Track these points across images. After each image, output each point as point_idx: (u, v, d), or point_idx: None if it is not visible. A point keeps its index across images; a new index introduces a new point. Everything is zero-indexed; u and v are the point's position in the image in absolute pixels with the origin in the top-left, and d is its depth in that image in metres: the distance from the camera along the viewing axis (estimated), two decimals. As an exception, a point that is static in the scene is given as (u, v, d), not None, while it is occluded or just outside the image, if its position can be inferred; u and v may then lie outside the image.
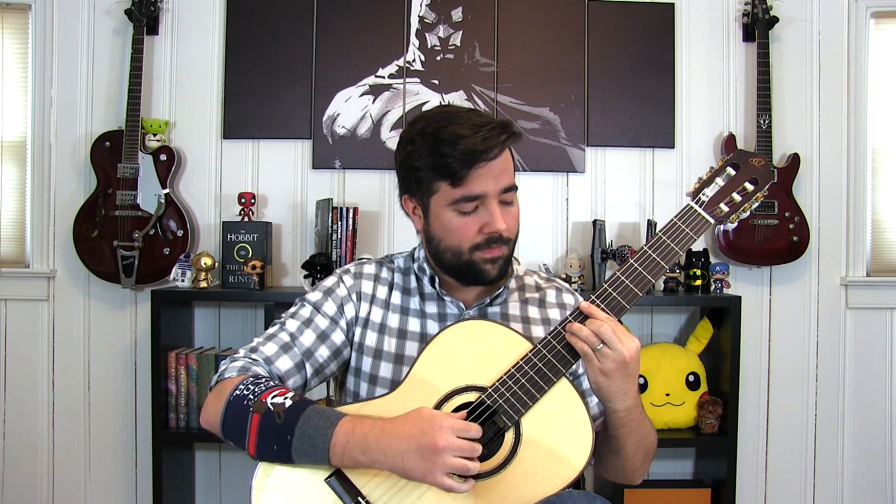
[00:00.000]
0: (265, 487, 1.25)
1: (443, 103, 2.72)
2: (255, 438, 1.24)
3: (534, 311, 1.50)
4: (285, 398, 1.25)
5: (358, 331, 1.46)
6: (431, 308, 1.47)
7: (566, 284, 1.60)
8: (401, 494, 1.22)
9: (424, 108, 2.70)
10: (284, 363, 1.40)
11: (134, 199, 2.60)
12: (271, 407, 1.23)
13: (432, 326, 1.45)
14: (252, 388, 1.27)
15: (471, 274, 1.41)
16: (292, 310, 1.48)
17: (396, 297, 1.48)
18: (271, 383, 1.30)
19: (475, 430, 1.18)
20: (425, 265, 1.48)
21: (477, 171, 1.33)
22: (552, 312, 1.50)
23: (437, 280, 1.47)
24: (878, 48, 2.80)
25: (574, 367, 1.29)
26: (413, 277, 1.51)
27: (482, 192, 1.35)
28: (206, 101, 2.75)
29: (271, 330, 1.45)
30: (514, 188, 1.40)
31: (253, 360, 1.39)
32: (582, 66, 2.75)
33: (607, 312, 1.27)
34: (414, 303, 1.48)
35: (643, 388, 2.54)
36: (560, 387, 1.27)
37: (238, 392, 1.28)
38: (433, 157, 1.34)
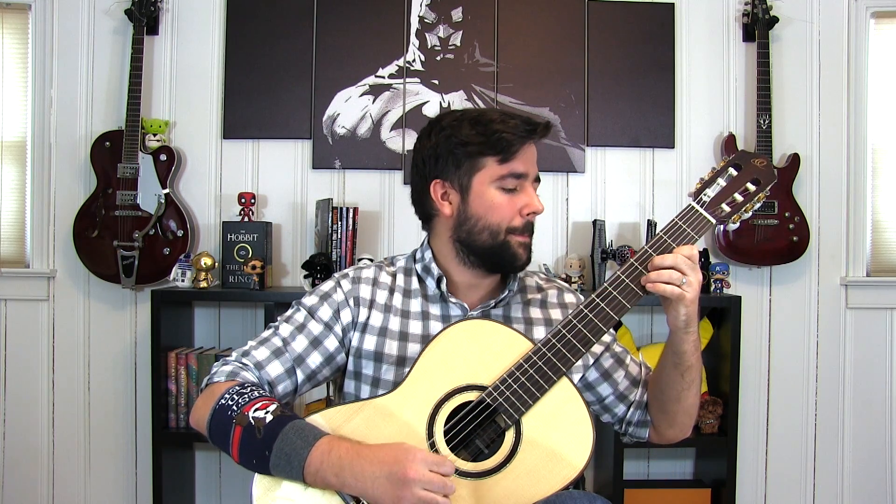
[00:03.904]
0: (266, 487, 1.25)
1: (443, 104, 2.72)
2: (237, 449, 1.26)
3: (536, 312, 1.50)
4: (266, 412, 1.25)
5: (356, 336, 1.45)
6: (435, 310, 1.47)
7: (566, 284, 1.61)
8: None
9: (425, 109, 2.71)
10: (275, 369, 1.40)
11: (134, 199, 2.60)
12: (252, 421, 1.24)
13: (435, 327, 1.44)
14: (237, 398, 1.28)
15: (504, 256, 1.42)
16: (288, 313, 1.48)
17: (397, 300, 1.47)
18: (255, 394, 1.30)
19: (448, 465, 1.19)
20: (432, 266, 1.47)
21: (526, 148, 1.40)
22: (554, 313, 1.51)
23: (443, 282, 1.46)
24: (878, 48, 2.80)
25: (579, 362, 1.30)
26: (415, 279, 1.50)
27: (525, 172, 1.41)
28: (206, 101, 2.75)
29: (265, 333, 1.45)
30: (539, 179, 1.46)
31: (243, 364, 1.39)
32: (582, 66, 2.75)
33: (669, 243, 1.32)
34: (415, 304, 1.47)
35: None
36: (561, 386, 1.27)
37: (223, 402, 1.29)
38: (483, 134, 1.38)
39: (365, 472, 1.18)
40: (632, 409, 1.50)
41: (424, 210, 1.49)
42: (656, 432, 1.50)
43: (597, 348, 1.49)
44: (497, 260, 1.43)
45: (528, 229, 1.43)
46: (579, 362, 1.34)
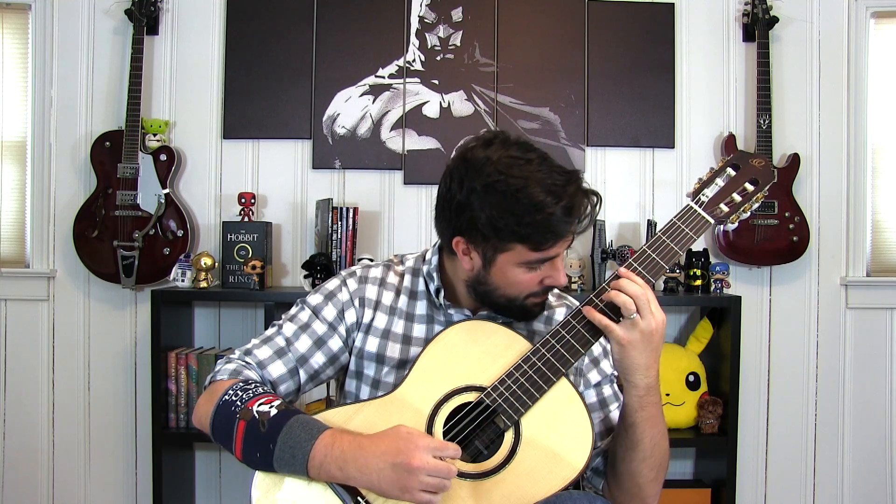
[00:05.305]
0: (266, 489, 1.25)
1: (442, 104, 2.72)
2: (240, 444, 1.25)
3: (539, 326, 1.47)
4: (271, 406, 1.25)
5: (359, 336, 1.44)
6: (440, 314, 1.45)
7: (577, 303, 1.56)
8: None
9: (425, 109, 2.70)
10: (277, 368, 1.39)
11: (134, 199, 2.60)
12: (256, 415, 1.24)
13: (438, 330, 1.40)
14: (240, 394, 1.28)
15: (518, 313, 1.39)
16: (291, 312, 1.46)
17: (402, 302, 1.46)
18: (259, 390, 1.30)
19: (452, 449, 1.19)
20: (435, 274, 1.44)
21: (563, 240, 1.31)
22: None
23: (441, 294, 1.43)
24: (878, 48, 2.80)
25: (577, 364, 1.28)
26: (422, 280, 1.48)
27: (556, 254, 1.32)
28: (206, 101, 2.75)
29: (268, 332, 1.44)
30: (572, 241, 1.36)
31: (246, 363, 1.38)
32: (582, 66, 2.75)
33: (645, 277, 1.27)
34: (420, 307, 1.45)
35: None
36: (560, 386, 1.27)
37: (227, 398, 1.28)
38: (518, 224, 1.26)
39: (369, 465, 1.18)
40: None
41: (445, 242, 1.40)
42: (608, 487, 1.40)
43: (594, 376, 1.44)
44: (510, 315, 1.39)
45: (548, 291, 1.38)
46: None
